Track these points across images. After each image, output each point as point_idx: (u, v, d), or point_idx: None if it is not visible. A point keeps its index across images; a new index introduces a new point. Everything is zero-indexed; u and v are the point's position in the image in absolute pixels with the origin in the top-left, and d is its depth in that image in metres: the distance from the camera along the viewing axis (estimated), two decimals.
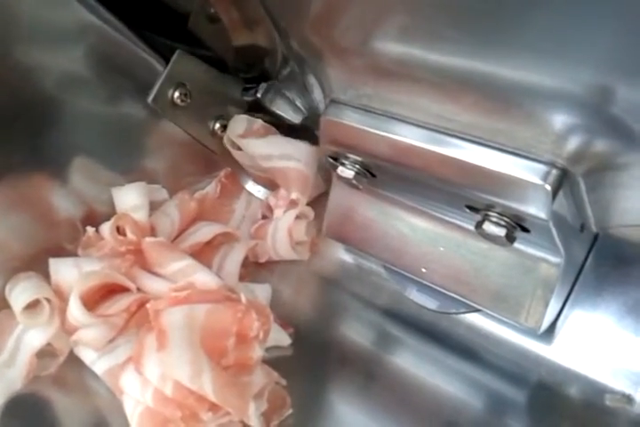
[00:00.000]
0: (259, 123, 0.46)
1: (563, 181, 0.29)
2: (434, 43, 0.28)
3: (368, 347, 0.42)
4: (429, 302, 0.42)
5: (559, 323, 0.38)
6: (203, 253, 0.43)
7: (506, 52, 0.26)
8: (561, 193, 0.30)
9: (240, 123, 0.46)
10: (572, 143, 0.28)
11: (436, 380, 0.39)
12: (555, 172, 0.29)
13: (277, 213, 0.46)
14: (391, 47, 0.30)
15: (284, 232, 0.45)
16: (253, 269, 0.47)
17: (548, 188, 0.29)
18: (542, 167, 0.29)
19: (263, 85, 0.47)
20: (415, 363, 0.40)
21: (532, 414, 0.37)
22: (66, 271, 0.38)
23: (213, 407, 0.32)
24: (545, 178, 0.29)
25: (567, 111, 0.26)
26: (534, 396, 0.38)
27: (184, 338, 0.33)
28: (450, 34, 0.27)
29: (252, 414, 0.31)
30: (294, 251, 0.46)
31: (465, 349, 0.40)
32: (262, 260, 0.47)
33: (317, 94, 0.41)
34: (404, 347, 0.42)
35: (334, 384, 0.39)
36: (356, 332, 0.43)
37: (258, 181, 0.50)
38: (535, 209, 0.30)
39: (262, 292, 0.42)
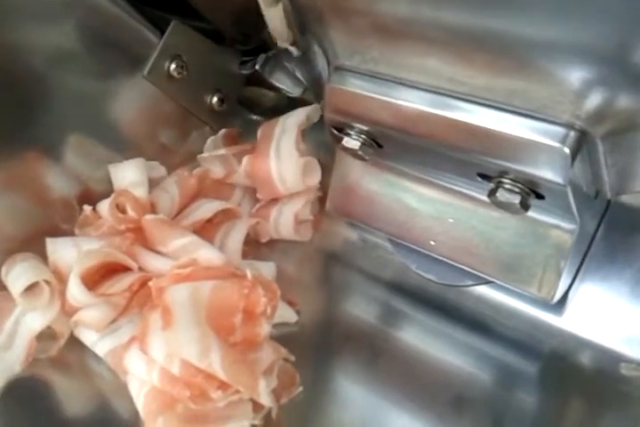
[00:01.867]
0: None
1: (581, 143, 0.28)
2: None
3: (374, 322, 0.41)
4: (436, 276, 0.41)
5: (571, 293, 0.37)
6: (204, 231, 0.42)
7: (521, 6, 0.25)
8: (579, 157, 0.29)
9: None
10: (592, 102, 0.26)
11: (444, 354, 0.38)
12: (573, 134, 0.28)
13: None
14: (399, 4, 0.29)
15: (290, 216, 0.44)
16: (254, 246, 0.46)
17: (567, 150, 0.28)
18: (560, 129, 0.28)
19: (262, 57, 0.46)
20: (422, 337, 0.40)
21: (544, 386, 0.36)
22: (64, 251, 0.37)
23: (222, 386, 0.31)
24: (563, 140, 0.28)
25: (587, 67, 0.25)
26: (546, 367, 0.37)
27: (190, 315, 0.32)
28: None
29: (263, 391, 0.31)
30: (297, 232, 0.45)
31: (474, 321, 0.40)
32: (263, 240, 0.46)
33: (319, 63, 0.39)
34: (411, 321, 0.41)
35: (341, 361, 0.39)
36: (362, 307, 0.42)
37: None
38: (552, 173, 0.29)
39: (267, 269, 0.41)
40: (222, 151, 0.45)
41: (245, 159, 0.44)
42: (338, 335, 0.41)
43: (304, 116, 0.43)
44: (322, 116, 0.44)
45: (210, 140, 0.47)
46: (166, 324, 0.31)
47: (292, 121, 0.44)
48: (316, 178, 0.44)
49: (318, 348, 0.40)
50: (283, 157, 0.43)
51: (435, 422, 0.34)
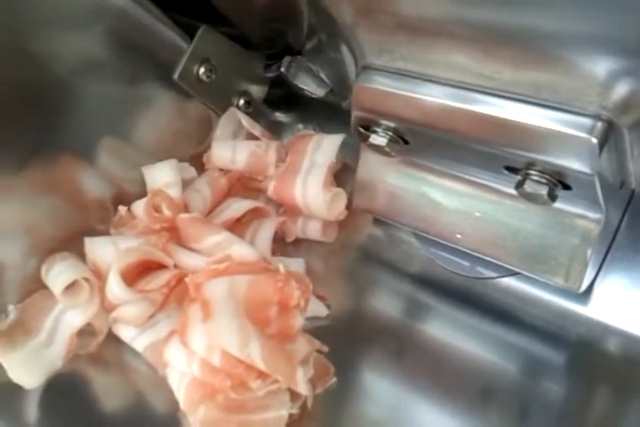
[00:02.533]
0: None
1: (608, 133, 0.29)
2: None
3: (401, 315, 0.42)
4: (462, 269, 0.42)
5: (596, 282, 0.38)
6: (234, 230, 0.43)
7: (549, 2, 0.25)
8: (606, 147, 0.29)
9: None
10: (619, 92, 0.27)
11: (471, 345, 0.39)
12: (600, 124, 0.29)
13: None
14: (427, 4, 0.30)
15: (318, 221, 0.46)
16: (281, 244, 0.47)
17: (595, 141, 0.29)
18: (587, 120, 0.29)
19: (286, 60, 0.47)
20: (449, 329, 0.40)
21: (571, 375, 0.37)
22: (102, 250, 0.38)
23: (261, 375, 0.32)
24: (591, 131, 0.29)
25: (613, 58, 0.26)
26: (573, 356, 0.38)
27: (229, 308, 0.33)
28: None
29: (301, 380, 0.31)
30: (323, 234, 0.46)
31: (500, 312, 0.40)
32: (289, 239, 0.47)
33: (347, 64, 0.40)
34: (438, 314, 0.42)
35: (370, 353, 0.39)
36: (389, 301, 0.43)
37: None
38: (580, 164, 0.30)
39: (296, 266, 0.42)
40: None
41: (272, 185, 0.45)
42: (366, 329, 0.42)
43: (334, 154, 0.44)
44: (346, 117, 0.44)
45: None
46: (206, 316, 0.32)
47: (322, 159, 0.44)
48: (341, 205, 0.44)
49: (348, 341, 0.41)
50: (310, 193, 0.43)
51: (462, 413, 0.35)
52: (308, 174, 0.44)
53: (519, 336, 0.39)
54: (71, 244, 0.41)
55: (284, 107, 0.53)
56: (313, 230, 0.46)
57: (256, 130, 0.45)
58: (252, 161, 0.45)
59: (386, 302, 0.43)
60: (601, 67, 0.27)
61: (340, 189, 0.44)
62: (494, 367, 0.37)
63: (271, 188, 0.45)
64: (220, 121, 0.47)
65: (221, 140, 0.46)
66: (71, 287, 0.37)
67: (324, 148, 0.44)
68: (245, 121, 0.45)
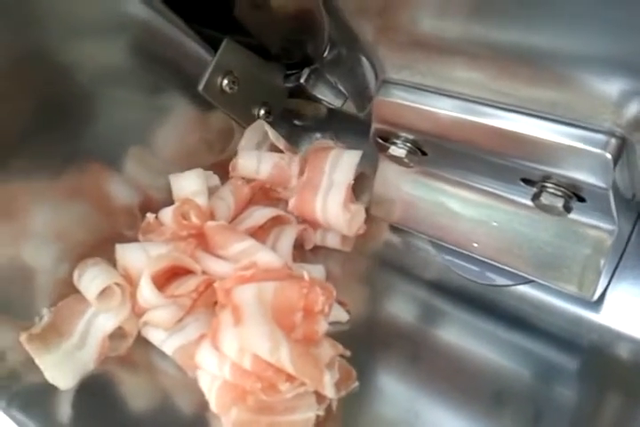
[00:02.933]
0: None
1: (622, 149, 0.30)
2: (490, 17, 0.29)
3: (417, 321, 0.44)
4: (478, 276, 0.44)
5: (609, 291, 0.39)
6: (255, 236, 0.44)
7: (566, 24, 0.27)
8: (619, 162, 0.31)
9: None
10: (632, 111, 0.29)
11: (486, 351, 0.40)
12: (614, 140, 0.30)
13: None
14: (445, 24, 0.31)
15: (337, 234, 0.47)
16: (301, 251, 0.49)
17: (609, 156, 0.30)
18: (602, 136, 0.30)
19: (306, 71, 0.48)
20: (464, 335, 0.42)
21: (583, 380, 0.38)
22: (133, 256, 0.40)
23: (290, 378, 0.33)
24: (605, 147, 0.30)
25: (627, 79, 0.27)
26: (586, 362, 0.39)
27: (258, 313, 0.34)
28: (506, 7, 0.28)
29: (328, 383, 0.33)
30: (342, 244, 0.47)
31: (514, 319, 0.42)
32: (308, 247, 0.48)
33: (365, 76, 0.42)
34: (453, 320, 0.43)
35: (387, 358, 0.41)
36: (406, 307, 0.45)
37: None
38: (595, 178, 0.31)
39: (317, 272, 0.44)
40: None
41: (292, 202, 0.46)
42: (383, 334, 0.43)
43: (353, 173, 0.44)
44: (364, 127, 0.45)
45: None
46: (237, 321, 0.34)
47: (341, 177, 0.45)
48: (360, 221, 0.46)
49: (366, 345, 0.42)
50: (330, 211, 0.44)
51: (477, 417, 0.36)
52: (328, 193, 0.45)
53: (533, 342, 0.40)
54: (101, 249, 0.42)
55: (302, 116, 0.55)
56: (332, 240, 0.48)
57: (280, 143, 0.47)
58: (275, 172, 0.46)
59: (403, 308, 0.45)
60: (615, 87, 0.28)
61: (359, 207, 0.45)
62: (508, 372, 0.39)
63: (291, 204, 0.46)
64: (246, 132, 0.48)
65: (246, 150, 0.48)
66: (104, 292, 0.39)
67: (342, 165, 0.45)
68: (272, 134, 0.47)
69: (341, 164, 0.46)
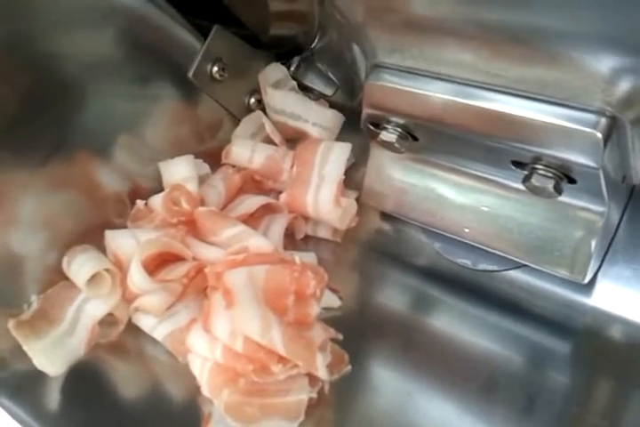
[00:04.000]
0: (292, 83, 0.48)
1: (612, 128, 0.31)
2: None
3: (409, 308, 0.44)
4: (470, 262, 0.44)
5: (600, 274, 0.39)
6: (247, 225, 0.44)
7: (556, 2, 0.27)
8: (609, 142, 0.31)
9: (276, 72, 0.48)
10: (623, 89, 0.29)
11: (478, 337, 0.40)
12: (604, 120, 0.30)
13: None
14: (436, 3, 0.31)
15: (328, 226, 0.47)
16: (292, 239, 0.49)
17: (599, 135, 0.30)
18: (592, 116, 0.31)
19: (296, 59, 0.48)
20: (456, 321, 0.42)
21: (576, 364, 0.38)
22: (123, 242, 0.39)
23: (282, 360, 0.33)
24: (595, 126, 0.30)
25: (618, 57, 0.28)
26: (578, 345, 0.39)
27: (250, 296, 0.34)
28: None
29: (320, 365, 0.33)
30: (333, 235, 0.47)
31: (507, 304, 0.42)
32: (299, 236, 0.48)
33: (357, 63, 0.42)
34: (445, 306, 0.43)
35: (378, 344, 0.41)
36: (397, 294, 0.45)
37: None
38: (586, 158, 0.32)
39: (308, 259, 0.43)
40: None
41: (283, 197, 0.46)
42: (375, 320, 0.43)
43: (343, 168, 0.44)
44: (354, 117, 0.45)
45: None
46: (229, 304, 0.33)
47: (332, 173, 0.44)
48: (352, 214, 0.46)
49: (358, 331, 0.42)
50: (321, 208, 0.44)
51: (469, 402, 0.36)
52: (319, 189, 0.45)
53: (525, 327, 0.40)
54: (90, 237, 0.42)
55: None
56: (323, 230, 0.48)
57: (276, 136, 0.47)
58: (267, 164, 0.46)
59: (394, 294, 0.45)
60: (606, 65, 0.28)
61: (350, 201, 0.45)
62: (501, 357, 0.39)
63: (282, 199, 0.46)
64: (243, 121, 0.48)
65: (240, 138, 0.47)
66: (94, 279, 0.39)
67: (332, 160, 0.45)
68: (268, 127, 0.47)
69: (331, 158, 0.45)
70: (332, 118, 0.47)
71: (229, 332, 0.33)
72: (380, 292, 0.45)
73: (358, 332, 0.41)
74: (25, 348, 0.37)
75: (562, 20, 0.28)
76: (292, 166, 0.46)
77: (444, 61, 0.34)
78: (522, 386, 0.37)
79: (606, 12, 0.26)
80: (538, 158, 0.34)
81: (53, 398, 0.37)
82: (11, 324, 0.37)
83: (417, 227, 0.46)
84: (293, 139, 0.48)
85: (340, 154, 0.45)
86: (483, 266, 0.43)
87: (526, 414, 0.35)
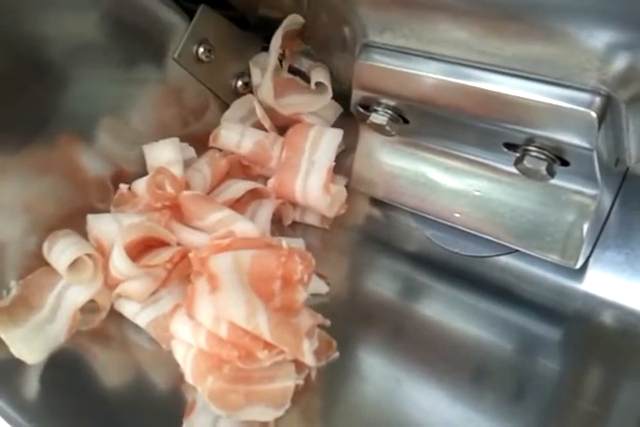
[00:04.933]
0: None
1: (607, 108, 0.30)
2: None
3: (399, 294, 0.43)
4: (461, 248, 0.43)
5: (591, 259, 0.39)
6: (233, 210, 0.43)
7: None
8: (604, 122, 0.30)
9: (267, 59, 0.46)
10: (618, 66, 0.28)
11: (468, 324, 0.40)
12: (599, 99, 0.30)
13: None
14: None
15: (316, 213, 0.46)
16: (279, 225, 0.48)
17: (594, 115, 0.30)
18: (586, 95, 0.30)
19: None
20: (446, 308, 0.41)
21: (567, 350, 0.38)
22: (105, 227, 0.39)
23: (268, 346, 0.32)
24: (590, 105, 0.30)
25: (613, 33, 0.27)
26: (569, 331, 0.39)
27: (235, 281, 0.33)
28: None
29: (307, 351, 0.32)
30: (320, 222, 0.47)
31: (498, 290, 0.41)
32: (287, 223, 0.47)
33: (348, 45, 0.41)
34: (435, 293, 0.43)
35: (368, 330, 0.40)
36: (387, 280, 0.44)
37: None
38: (580, 138, 0.31)
39: (296, 245, 0.42)
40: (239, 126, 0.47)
41: (271, 182, 0.45)
42: (365, 306, 0.42)
43: (334, 155, 0.44)
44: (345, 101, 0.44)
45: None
46: (213, 288, 0.33)
47: (322, 159, 0.44)
48: (341, 202, 0.45)
49: (347, 318, 0.41)
50: (310, 194, 0.43)
51: (459, 388, 0.36)
52: (308, 175, 0.44)
53: (516, 313, 0.40)
54: (72, 222, 0.41)
55: None
56: (311, 217, 0.47)
57: (266, 122, 0.46)
58: (256, 149, 0.45)
59: (384, 281, 0.44)
60: (601, 41, 0.28)
61: (340, 188, 0.44)
62: (491, 344, 0.38)
63: (270, 185, 0.45)
64: (233, 104, 0.47)
65: (230, 121, 0.46)
66: (75, 264, 0.38)
67: (323, 146, 0.44)
68: (259, 111, 0.45)
69: (322, 144, 0.45)
70: (328, 108, 0.47)
71: (213, 317, 0.32)
72: (369, 278, 0.44)
73: (346, 318, 0.41)
74: (2, 336, 0.36)
75: None
76: (282, 152, 0.45)
77: (437, 40, 0.33)
78: (512, 372, 0.36)
79: None
80: (531, 140, 0.33)
81: (33, 387, 0.36)
82: None
83: (407, 212, 0.45)
84: (284, 125, 0.47)
85: (332, 140, 0.44)
86: (473, 252, 0.42)
87: (516, 400, 0.35)
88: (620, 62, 0.28)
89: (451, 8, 0.31)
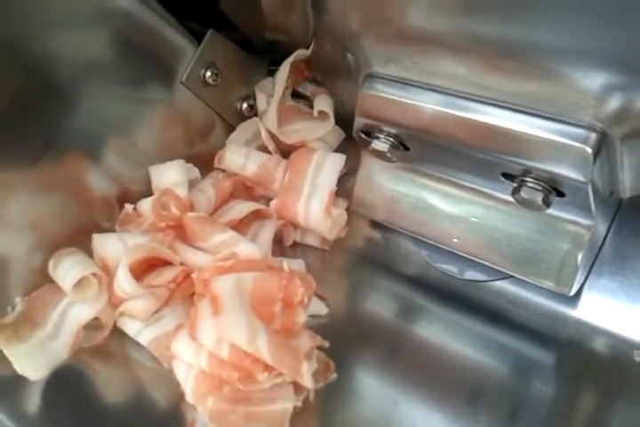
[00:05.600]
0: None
1: (602, 144, 0.31)
2: (476, 11, 0.30)
3: (397, 316, 0.44)
4: (458, 272, 0.44)
5: (585, 286, 0.40)
6: (235, 230, 0.44)
7: (549, 18, 0.27)
8: (599, 156, 0.31)
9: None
10: (613, 106, 0.29)
11: (464, 347, 0.40)
12: (594, 135, 0.31)
13: None
14: (433, 17, 0.31)
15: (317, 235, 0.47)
16: (280, 246, 0.49)
17: (589, 150, 0.31)
18: (582, 131, 0.31)
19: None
20: (443, 331, 0.42)
21: (560, 375, 0.38)
22: (110, 246, 0.39)
23: (267, 368, 0.33)
24: (585, 141, 0.31)
25: (609, 75, 0.28)
26: (563, 356, 0.39)
27: (237, 303, 0.34)
28: (494, 2, 0.28)
29: (306, 374, 0.33)
30: (320, 243, 0.47)
31: (493, 314, 0.42)
32: (287, 243, 0.48)
33: (351, 72, 0.42)
34: (432, 315, 0.43)
35: (365, 352, 0.41)
36: (385, 302, 0.45)
37: None
38: (575, 172, 0.32)
39: (297, 266, 0.43)
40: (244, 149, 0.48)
41: (273, 203, 0.46)
42: (363, 328, 0.43)
43: (336, 179, 0.44)
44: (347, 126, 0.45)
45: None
46: (216, 311, 0.33)
47: (324, 183, 0.45)
48: (342, 225, 0.46)
49: (345, 339, 0.41)
50: (312, 217, 0.44)
51: (454, 410, 0.36)
52: (310, 198, 0.45)
53: (511, 337, 0.40)
54: (77, 240, 0.42)
55: None
56: (311, 238, 0.48)
57: (270, 145, 0.47)
58: (260, 172, 0.46)
59: (382, 303, 0.45)
60: (596, 81, 0.29)
61: (340, 212, 0.46)
62: (486, 366, 0.39)
63: (272, 207, 0.46)
64: (239, 127, 0.49)
65: (235, 144, 0.47)
66: (80, 282, 0.38)
67: (325, 170, 0.45)
68: (264, 134, 0.47)
69: (325, 168, 0.46)
70: (332, 133, 0.48)
71: (215, 339, 0.33)
72: (367, 299, 0.45)
73: (345, 339, 0.41)
74: (5, 352, 0.37)
75: (555, 37, 0.28)
76: (285, 174, 0.46)
77: (438, 73, 0.35)
78: (507, 395, 0.37)
79: (599, 30, 0.26)
80: (527, 171, 0.34)
81: (35, 403, 0.37)
82: None
83: (406, 235, 0.46)
84: (288, 149, 0.48)
85: (334, 165, 0.45)
86: (470, 276, 0.43)
87: (510, 423, 0.35)
88: (615, 102, 0.29)
89: (451, 45, 0.32)
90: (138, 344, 0.40)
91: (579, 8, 0.26)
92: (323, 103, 0.46)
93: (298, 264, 0.44)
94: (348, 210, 0.47)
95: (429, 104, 0.35)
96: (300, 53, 0.45)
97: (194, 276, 0.37)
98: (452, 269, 0.44)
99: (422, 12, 0.32)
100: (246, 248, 0.39)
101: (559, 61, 0.29)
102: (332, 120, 0.47)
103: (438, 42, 0.32)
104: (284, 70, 0.45)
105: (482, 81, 0.33)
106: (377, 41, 0.36)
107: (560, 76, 0.29)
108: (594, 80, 0.29)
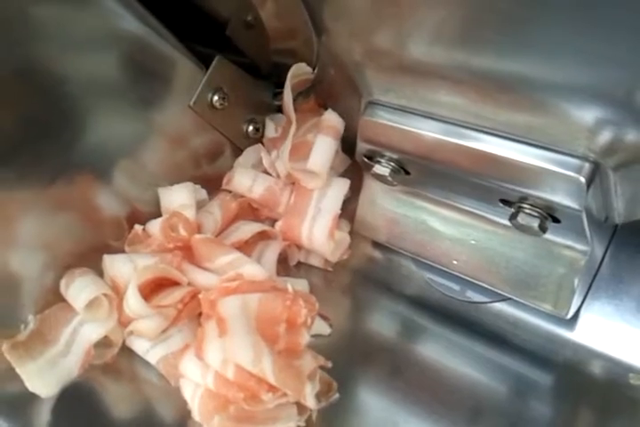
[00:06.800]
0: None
1: (595, 173, 0.32)
2: (473, 46, 0.31)
3: (398, 336, 0.45)
4: (457, 293, 0.45)
5: (582, 309, 0.41)
6: (241, 251, 0.45)
7: (544, 54, 0.29)
8: (592, 185, 0.32)
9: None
10: (605, 138, 0.30)
11: (463, 366, 0.41)
12: (588, 165, 0.32)
13: None
14: (432, 50, 0.33)
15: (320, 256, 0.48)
16: (285, 265, 0.50)
17: (583, 180, 0.32)
18: (576, 161, 0.32)
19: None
20: (442, 351, 0.43)
21: (557, 396, 0.39)
22: (121, 266, 0.40)
23: (272, 389, 0.34)
24: (579, 170, 0.32)
25: (601, 109, 0.29)
26: (560, 378, 0.40)
27: (242, 325, 0.35)
28: (489, 37, 0.29)
29: (309, 395, 0.34)
30: (324, 264, 0.49)
31: (492, 335, 0.43)
32: (292, 263, 0.49)
33: (353, 98, 0.43)
34: (432, 336, 0.44)
35: (366, 372, 0.41)
36: (386, 322, 0.46)
37: None
38: (569, 200, 0.33)
39: (300, 286, 0.45)
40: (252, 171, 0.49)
41: (278, 225, 0.47)
42: (364, 348, 0.44)
43: (340, 203, 0.46)
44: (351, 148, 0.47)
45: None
46: (222, 332, 0.34)
47: (328, 207, 0.46)
48: (344, 248, 0.48)
49: (347, 358, 0.42)
50: (315, 240, 0.45)
51: None
52: (314, 221, 0.46)
53: (509, 358, 0.41)
54: (87, 259, 0.43)
55: None
56: (315, 259, 0.49)
57: (272, 170, 0.48)
58: (266, 195, 0.48)
59: (383, 323, 0.46)
60: (589, 115, 0.30)
61: (344, 235, 0.47)
62: (485, 387, 0.40)
63: (277, 228, 0.47)
64: (247, 150, 0.50)
65: (242, 166, 0.49)
66: (91, 302, 0.39)
67: (330, 194, 0.46)
68: (265, 161, 0.48)
69: (330, 193, 0.47)
70: (338, 160, 0.49)
71: (221, 360, 0.34)
72: (369, 319, 0.46)
73: (347, 359, 0.42)
74: (18, 370, 0.38)
75: (547, 72, 0.29)
76: (291, 197, 0.47)
77: (437, 102, 0.36)
78: (505, 415, 0.38)
79: (592, 67, 0.27)
80: (524, 198, 0.35)
81: (45, 420, 0.38)
82: (5, 347, 0.38)
83: (407, 257, 0.47)
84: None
85: (339, 189, 0.46)
86: (469, 297, 0.44)
87: None
88: (607, 135, 0.30)
89: (448, 76, 0.33)
90: (146, 363, 0.41)
91: (570, 46, 0.27)
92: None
93: (302, 284, 0.45)
94: (350, 232, 0.48)
95: (428, 131, 0.37)
96: (298, 68, 0.46)
97: (201, 296, 0.38)
98: (452, 290, 0.45)
99: (422, 46, 0.33)
100: (251, 269, 0.40)
101: (551, 95, 0.30)
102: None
103: (436, 73, 0.34)
104: (287, 93, 0.47)
105: (478, 111, 0.34)
106: (378, 71, 0.37)
107: (553, 108, 0.31)
108: (586, 113, 0.30)
